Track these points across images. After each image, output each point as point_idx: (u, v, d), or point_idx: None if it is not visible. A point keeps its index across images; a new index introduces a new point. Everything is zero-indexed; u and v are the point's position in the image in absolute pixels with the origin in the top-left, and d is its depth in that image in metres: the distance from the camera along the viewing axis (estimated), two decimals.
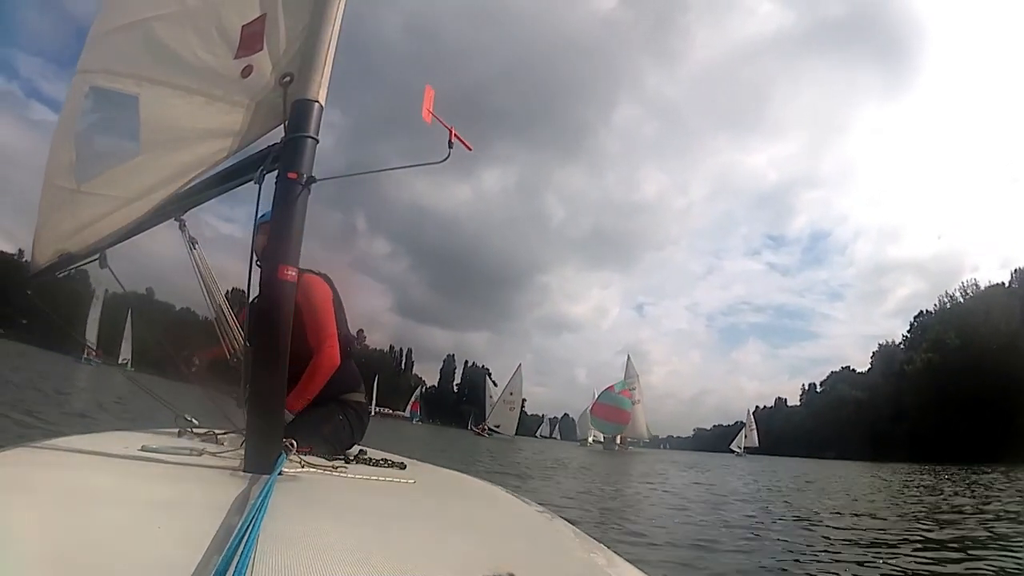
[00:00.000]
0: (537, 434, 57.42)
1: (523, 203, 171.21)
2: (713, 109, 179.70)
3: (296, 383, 2.18)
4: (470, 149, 1.80)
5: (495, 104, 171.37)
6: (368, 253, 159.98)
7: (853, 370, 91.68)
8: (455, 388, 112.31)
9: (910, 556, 5.47)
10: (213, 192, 1.81)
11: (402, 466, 2.07)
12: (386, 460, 2.13)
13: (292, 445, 1.62)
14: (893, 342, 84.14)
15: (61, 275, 2.08)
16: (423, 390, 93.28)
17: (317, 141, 1.60)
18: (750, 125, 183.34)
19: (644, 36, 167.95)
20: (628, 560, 1.20)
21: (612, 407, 53.89)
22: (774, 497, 12.25)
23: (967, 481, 19.48)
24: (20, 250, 61.80)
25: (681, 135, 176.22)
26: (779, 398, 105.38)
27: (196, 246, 1.92)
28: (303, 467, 1.63)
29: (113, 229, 1.86)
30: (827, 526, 7.65)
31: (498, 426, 60.52)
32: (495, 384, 71.40)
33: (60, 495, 1.08)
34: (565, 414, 57.34)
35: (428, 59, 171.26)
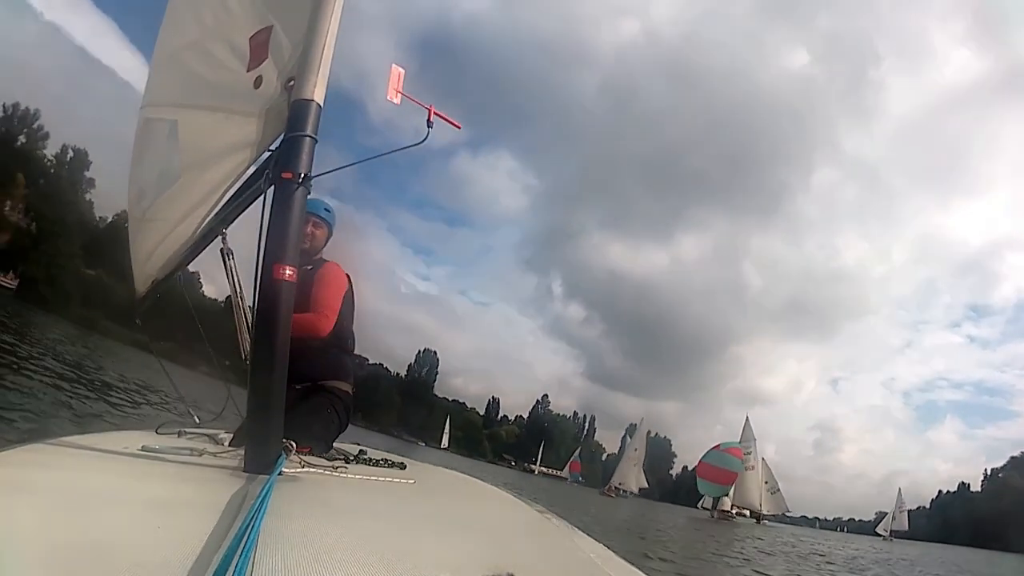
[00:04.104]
0: (699, 505, 54.71)
1: (720, 271, 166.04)
2: (912, 168, 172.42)
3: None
4: (458, 127, 1.78)
5: (692, 167, 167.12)
6: (562, 317, 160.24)
7: None
8: None
9: None
10: (240, 202, 1.86)
11: (402, 466, 2.06)
12: (386, 460, 2.12)
13: (292, 445, 1.61)
14: None
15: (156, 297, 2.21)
16: (592, 455, 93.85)
17: (315, 140, 1.60)
18: (951, 183, 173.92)
19: (838, 92, 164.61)
20: (628, 560, 1.19)
21: (715, 467, 49.17)
22: None
23: None
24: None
25: (880, 197, 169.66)
26: (962, 483, 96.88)
27: (232, 256, 1.97)
28: (303, 467, 1.62)
29: (172, 251, 1.97)
30: None
31: (621, 484, 57.58)
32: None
33: (60, 495, 1.09)
34: None
35: (624, 121, 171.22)
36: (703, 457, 51.57)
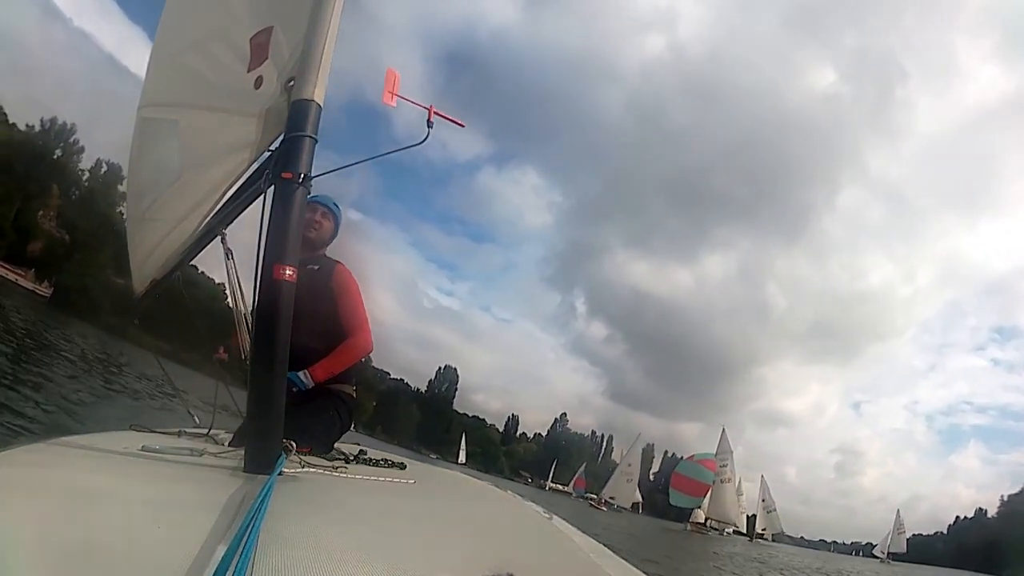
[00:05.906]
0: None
1: (744, 291, 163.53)
2: (939, 187, 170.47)
3: (301, 358, 2.12)
4: (462, 126, 1.78)
5: (716, 186, 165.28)
6: (585, 335, 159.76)
7: None
8: (651, 477, 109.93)
9: None
10: (240, 202, 1.86)
11: (402, 466, 2.04)
12: (386, 460, 2.10)
13: (292, 445, 1.60)
14: None
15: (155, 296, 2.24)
16: (609, 473, 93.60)
17: (315, 140, 1.60)
18: (978, 203, 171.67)
19: (865, 111, 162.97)
20: (627, 559, 1.18)
21: (688, 478, 49.01)
22: None
23: None
24: None
25: (906, 217, 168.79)
26: (979, 508, 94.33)
27: (231, 256, 1.98)
28: (303, 467, 1.61)
29: (173, 250, 1.98)
30: None
31: (613, 498, 56.24)
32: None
33: (60, 494, 1.09)
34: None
35: (649, 138, 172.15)
36: (676, 467, 51.39)
